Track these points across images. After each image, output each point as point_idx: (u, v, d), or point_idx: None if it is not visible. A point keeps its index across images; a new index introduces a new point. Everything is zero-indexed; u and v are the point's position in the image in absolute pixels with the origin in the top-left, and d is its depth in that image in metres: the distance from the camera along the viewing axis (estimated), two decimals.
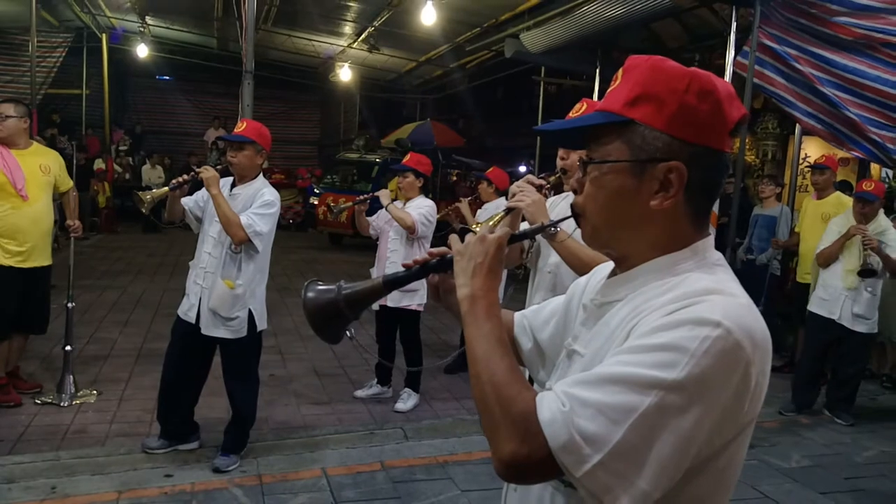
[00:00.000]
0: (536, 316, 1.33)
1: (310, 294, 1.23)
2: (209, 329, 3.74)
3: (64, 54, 11.64)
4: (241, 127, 3.79)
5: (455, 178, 13.93)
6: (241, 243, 3.65)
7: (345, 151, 15.16)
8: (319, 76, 16.26)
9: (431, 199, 5.16)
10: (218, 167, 3.76)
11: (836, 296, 5.10)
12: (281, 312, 7.35)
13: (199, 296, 3.75)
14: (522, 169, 13.17)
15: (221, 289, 3.68)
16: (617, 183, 1.02)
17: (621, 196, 1.03)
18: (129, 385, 5.01)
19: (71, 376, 4.65)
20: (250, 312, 3.78)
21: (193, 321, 3.76)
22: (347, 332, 1.26)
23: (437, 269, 1.24)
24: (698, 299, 0.93)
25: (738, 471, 1.02)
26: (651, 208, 1.01)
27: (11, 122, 4.44)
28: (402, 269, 1.27)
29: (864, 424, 5.13)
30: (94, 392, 4.76)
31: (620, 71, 1.07)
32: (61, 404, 4.53)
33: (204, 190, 3.74)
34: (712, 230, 5.32)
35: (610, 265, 1.16)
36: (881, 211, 5.15)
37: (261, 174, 3.87)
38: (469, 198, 6.28)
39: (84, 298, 7.60)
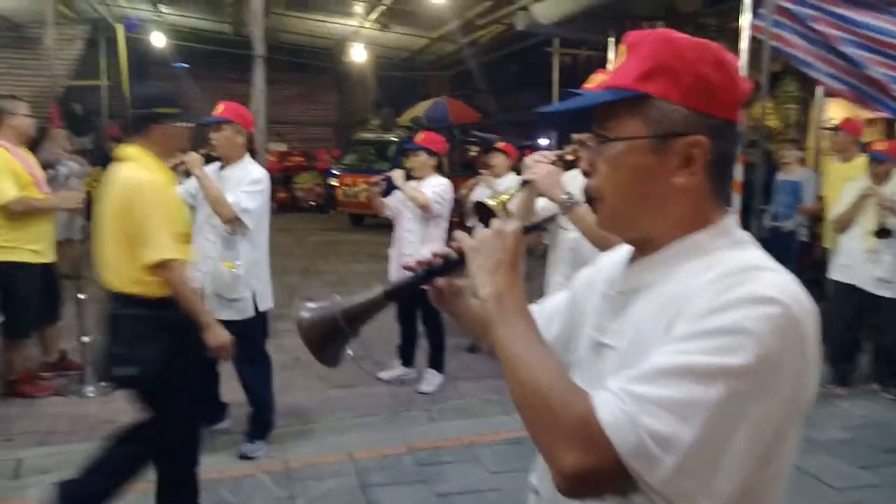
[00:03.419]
0: (538, 315, 1.24)
1: (303, 313, 1.15)
2: (216, 312, 3.77)
3: (82, 46, 11.70)
4: (219, 109, 3.87)
5: (475, 154, 13.82)
6: (228, 222, 3.70)
7: (362, 132, 15.11)
8: (334, 57, 16.17)
9: (447, 176, 5.13)
10: (202, 151, 3.83)
11: (856, 260, 4.96)
12: (302, 295, 7.38)
13: (202, 282, 3.81)
14: (543, 142, 13.02)
15: (222, 271, 3.77)
16: (636, 161, 0.98)
17: (641, 175, 0.98)
18: None
19: (92, 367, 4.71)
20: (253, 293, 3.84)
21: None
22: (349, 352, 1.18)
23: (442, 271, 1.16)
24: (745, 276, 0.88)
25: (791, 462, 0.95)
26: (674, 185, 0.97)
27: (28, 121, 4.50)
28: (405, 272, 1.20)
29: None
30: None
31: (624, 47, 1.02)
32: (87, 395, 4.61)
33: (194, 178, 3.79)
34: (736, 198, 5.23)
35: (620, 251, 1.11)
36: None
37: (247, 154, 3.94)
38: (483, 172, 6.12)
39: None
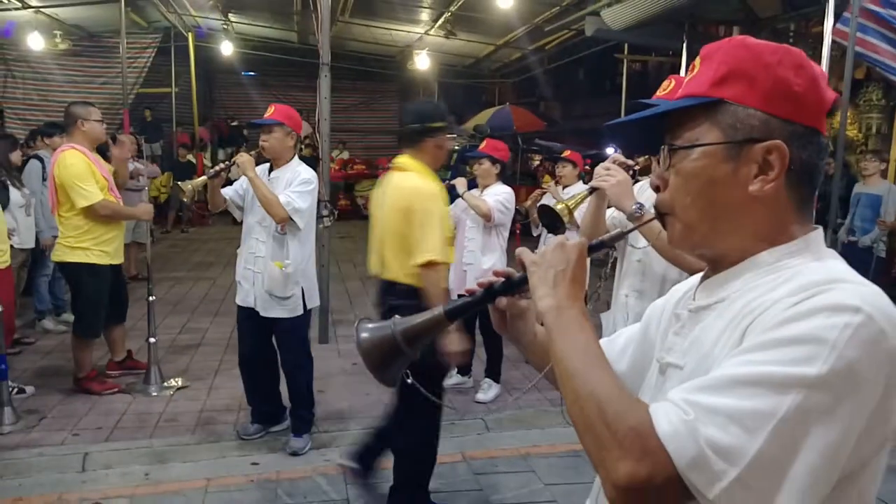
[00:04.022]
0: (611, 348, 1.21)
1: (363, 334, 1.13)
2: (267, 310, 3.87)
3: (153, 54, 12.10)
4: (269, 111, 3.89)
5: (538, 163, 13.68)
6: (282, 222, 3.76)
7: None
8: (398, 65, 16.28)
9: (511, 185, 5.07)
10: (252, 153, 3.87)
11: None
12: (363, 302, 7.41)
13: (253, 281, 3.88)
14: (610, 150, 12.80)
15: (273, 270, 3.80)
16: (710, 169, 0.93)
17: (716, 184, 0.92)
18: (218, 374, 5.15)
19: (157, 367, 4.84)
20: (302, 290, 3.88)
21: (252, 305, 3.90)
22: (405, 374, 1.17)
23: (504, 291, 1.13)
24: (827, 287, 0.82)
25: (876, 491, 0.88)
26: (750, 195, 0.91)
27: (100, 126, 4.63)
28: (466, 295, 1.16)
29: None
30: (180, 381, 4.92)
31: (697, 60, 0.99)
32: (152, 394, 4.71)
33: (243, 178, 3.85)
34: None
35: (693, 279, 1.06)
36: None
37: (296, 156, 3.96)
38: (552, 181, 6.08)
39: (177, 289, 7.91)
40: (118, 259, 4.73)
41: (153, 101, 14.52)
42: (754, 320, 0.84)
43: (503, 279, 1.13)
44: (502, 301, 1.16)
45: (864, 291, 0.82)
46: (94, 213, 4.43)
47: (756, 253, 0.93)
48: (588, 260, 1.04)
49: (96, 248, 4.50)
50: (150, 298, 4.89)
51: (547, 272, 1.00)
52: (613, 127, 1.05)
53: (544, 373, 1.08)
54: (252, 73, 18.10)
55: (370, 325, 1.14)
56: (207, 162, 14.51)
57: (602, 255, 2.97)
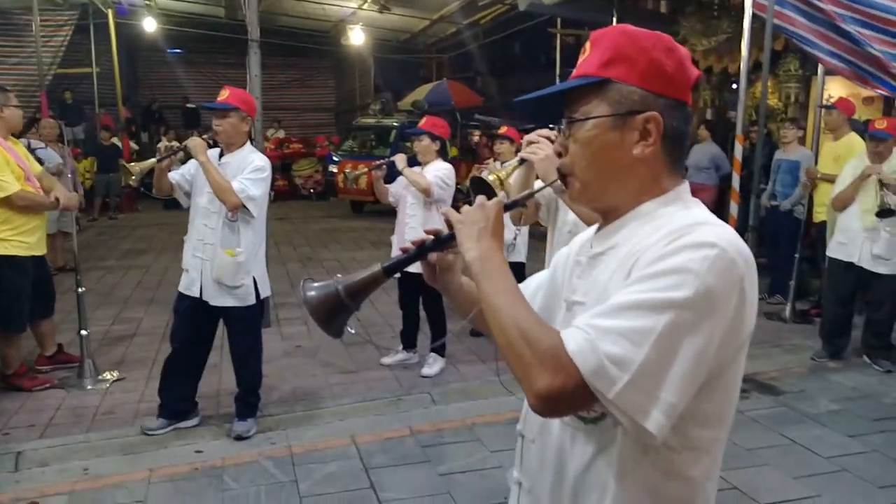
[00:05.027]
0: (524, 291, 1.36)
1: (310, 292, 1.26)
2: (216, 300, 3.77)
3: (71, 32, 11.41)
4: (223, 95, 3.75)
5: (477, 139, 13.68)
6: (234, 209, 3.65)
7: (361, 117, 14.94)
8: (332, 41, 15.95)
9: (450, 161, 5.08)
10: (204, 137, 3.76)
11: (854, 238, 4.99)
12: (306, 279, 7.32)
13: (201, 269, 3.77)
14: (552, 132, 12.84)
15: (223, 258, 3.71)
16: (601, 137, 1.11)
17: (606, 149, 1.11)
18: (155, 364, 4.98)
19: (90, 360, 4.68)
20: (254, 279, 3.80)
21: (197, 295, 3.78)
22: (349, 327, 1.28)
23: (434, 247, 1.29)
24: (690, 229, 1.03)
25: (738, 389, 1.12)
26: (634, 157, 1.11)
27: (18, 112, 4.40)
28: (401, 253, 1.30)
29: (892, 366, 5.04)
30: (115, 373, 4.78)
31: (588, 44, 1.16)
32: (86, 387, 4.55)
33: (191, 163, 3.75)
34: (735, 177, 5.16)
35: (591, 229, 1.24)
36: None
37: (248, 142, 3.87)
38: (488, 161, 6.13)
39: (108, 279, 7.66)
40: (41, 250, 4.52)
41: (73, 83, 13.81)
42: (637, 260, 1.04)
43: (433, 237, 1.28)
44: (433, 256, 1.31)
45: (720, 231, 1.03)
46: (10, 205, 4.21)
47: (639, 205, 1.13)
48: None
49: (15, 238, 4.28)
50: (80, 290, 4.70)
51: (471, 228, 1.17)
52: (522, 103, 1.22)
53: (471, 316, 1.24)
54: (178, 51, 17.45)
55: (315, 284, 1.27)
56: (134, 145, 13.97)
57: (516, 218, 3.16)
